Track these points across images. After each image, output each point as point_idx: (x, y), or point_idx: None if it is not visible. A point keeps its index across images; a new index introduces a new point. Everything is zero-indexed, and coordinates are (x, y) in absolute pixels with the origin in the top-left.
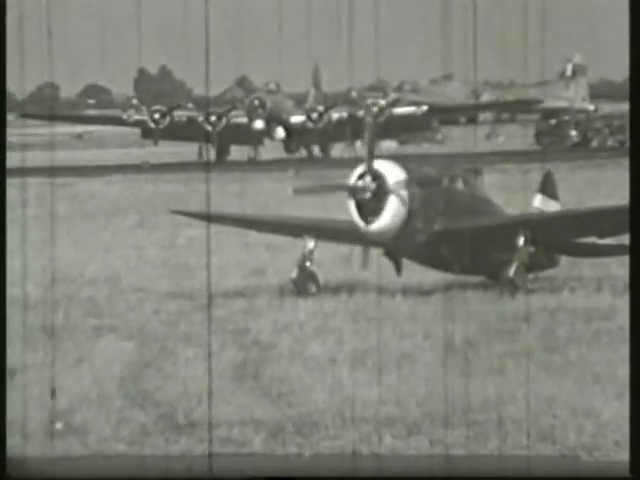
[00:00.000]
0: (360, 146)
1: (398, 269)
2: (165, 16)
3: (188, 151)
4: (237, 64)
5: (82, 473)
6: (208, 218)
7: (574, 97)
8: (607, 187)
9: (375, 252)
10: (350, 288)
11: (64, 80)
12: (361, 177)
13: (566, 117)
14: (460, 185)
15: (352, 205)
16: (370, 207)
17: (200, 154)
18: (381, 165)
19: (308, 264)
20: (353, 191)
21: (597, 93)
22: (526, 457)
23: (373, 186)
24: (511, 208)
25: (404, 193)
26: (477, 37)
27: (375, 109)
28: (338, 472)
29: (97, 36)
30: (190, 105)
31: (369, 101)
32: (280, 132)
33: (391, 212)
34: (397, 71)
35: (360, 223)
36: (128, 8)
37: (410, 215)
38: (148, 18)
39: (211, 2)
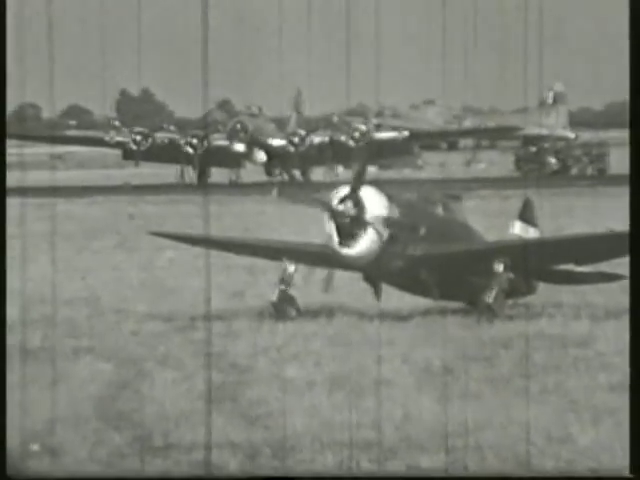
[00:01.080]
0: (342, 170)
1: (377, 294)
2: (150, 38)
3: (169, 173)
4: (219, 86)
5: None
6: (197, 241)
7: (554, 125)
8: (585, 214)
9: (354, 276)
10: (329, 312)
11: (45, 101)
12: (343, 200)
13: (546, 144)
14: (440, 210)
15: (332, 226)
16: (349, 231)
17: (181, 176)
18: (364, 192)
19: (287, 288)
20: (333, 213)
21: (577, 121)
22: None
23: (353, 212)
24: (490, 234)
25: (383, 223)
26: (460, 64)
27: (357, 134)
28: (334, 476)
29: (79, 57)
30: (172, 127)
31: (353, 126)
32: (261, 155)
33: (370, 237)
34: (378, 96)
35: (338, 247)
36: (111, 30)
37: (389, 240)
38: (131, 40)
39: (200, 24)
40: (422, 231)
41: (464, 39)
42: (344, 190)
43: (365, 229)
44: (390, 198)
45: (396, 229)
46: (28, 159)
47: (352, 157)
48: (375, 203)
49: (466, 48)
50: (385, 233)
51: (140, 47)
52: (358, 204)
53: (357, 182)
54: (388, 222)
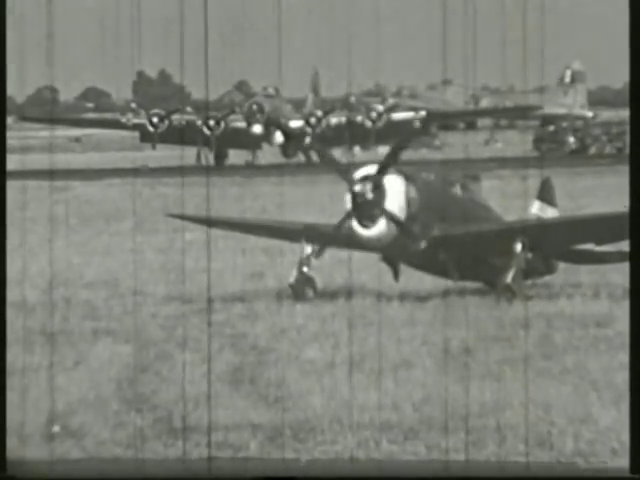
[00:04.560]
0: (359, 151)
1: (396, 274)
2: (164, 19)
3: (186, 155)
4: (236, 68)
5: (79, 476)
6: (208, 222)
7: (573, 104)
8: (605, 194)
9: (373, 257)
10: (348, 293)
11: (63, 83)
12: (364, 180)
13: (564, 124)
14: (458, 191)
15: (349, 202)
16: (366, 212)
17: (198, 158)
18: (388, 179)
19: (306, 269)
20: (352, 191)
21: (596, 100)
22: (523, 463)
23: (370, 196)
24: (509, 214)
25: (400, 209)
26: (477, 43)
27: (374, 114)
28: (335, 476)
29: (96, 39)
30: (189, 109)
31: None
32: (278, 137)
33: (387, 220)
34: (396, 76)
35: (356, 227)
36: (127, 11)
37: (407, 222)
38: (147, 21)
39: (210, 6)
40: (441, 212)
41: (483, 18)
42: (368, 169)
43: (381, 215)
44: (408, 179)
45: (414, 210)
46: (45, 142)
47: (365, 137)
48: (395, 194)
49: (484, 27)
50: (403, 214)
51: (156, 28)
52: (378, 189)
53: (386, 165)
54: (406, 202)
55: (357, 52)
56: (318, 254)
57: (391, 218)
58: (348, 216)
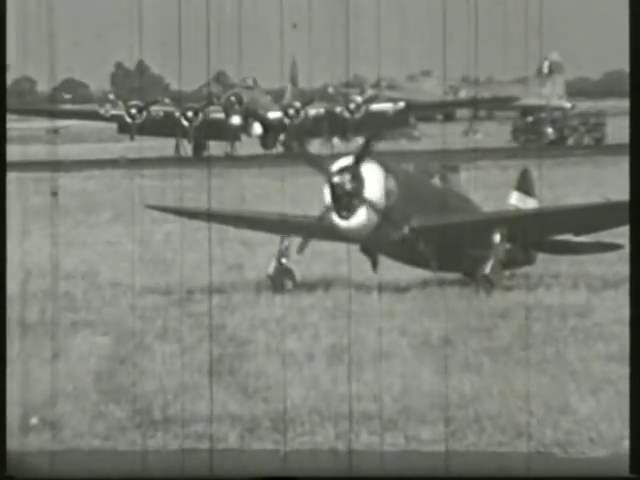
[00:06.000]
0: (337, 142)
1: (374, 265)
2: (145, 11)
3: (165, 146)
4: (214, 59)
5: (57, 468)
6: (195, 214)
7: (551, 95)
8: (583, 185)
9: (352, 248)
10: (327, 284)
11: (41, 74)
12: (342, 172)
13: (543, 114)
14: (437, 182)
15: (328, 195)
16: (346, 203)
17: (177, 149)
18: (366, 168)
19: (285, 260)
20: (331, 183)
21: (574, 91)
22: (502, 454)
23: (349, 187)
24: (488, 205)
25: (380, 196)
26: (456, 34)
27: (352, 105)
28: (314, 469)
29: (75, 30)
30: (167, 100)
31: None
32: (257, 128)
33: (367, 210)
34: (375, 67)
35: (335, 218)
36: (107, 3)
37: (387, 211)
38: (127, 13)
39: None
40: (420, 203)
41: (463, 9)
42: (345, 161)
43: (361, 204)
44: (388, 170)
45: (393, 201)
46: (24, 133)
47: (357, 130)
48: (374, 182)
49: (467, 17)
50: (382, 205)
51: (137, 19)
52: (356, 179)
53: (361, 155)
54: (385, 193)
55: (337, 43)
56: (301, 248)
57: (371, 206)
58: (328, 210)
